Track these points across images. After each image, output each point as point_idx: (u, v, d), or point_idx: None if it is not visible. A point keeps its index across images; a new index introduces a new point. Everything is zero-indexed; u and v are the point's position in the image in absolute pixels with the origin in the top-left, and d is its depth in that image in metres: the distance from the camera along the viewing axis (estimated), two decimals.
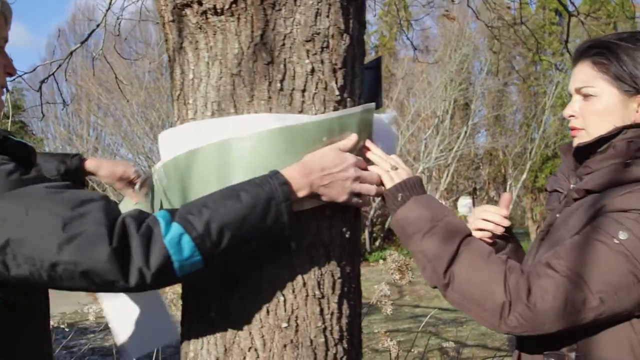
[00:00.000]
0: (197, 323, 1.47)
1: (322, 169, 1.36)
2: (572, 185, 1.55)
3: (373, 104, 1.51)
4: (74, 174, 1.95)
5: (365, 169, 1.47)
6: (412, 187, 1.50)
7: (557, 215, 1.54)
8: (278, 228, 1.29)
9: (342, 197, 1.40)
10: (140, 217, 1.22)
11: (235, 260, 1.30)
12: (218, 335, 1.43)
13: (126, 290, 1.20)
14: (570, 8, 5.30)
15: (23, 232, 1.13)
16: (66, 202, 1.18)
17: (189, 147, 1.44)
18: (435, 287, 1.47)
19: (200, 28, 1.45)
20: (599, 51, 1.45)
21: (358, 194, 1.43)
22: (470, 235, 1.47)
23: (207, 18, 1.43)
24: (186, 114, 1.51)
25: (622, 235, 1.28)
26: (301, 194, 1.34)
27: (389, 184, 1.50)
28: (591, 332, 1.35)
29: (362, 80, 1.57)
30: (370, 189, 1.45)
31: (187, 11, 1.45)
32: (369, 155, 1.50)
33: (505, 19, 6.22)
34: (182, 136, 1.49)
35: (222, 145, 1.39)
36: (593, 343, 1.36)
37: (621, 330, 1.34)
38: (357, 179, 1.41)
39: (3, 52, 1.38)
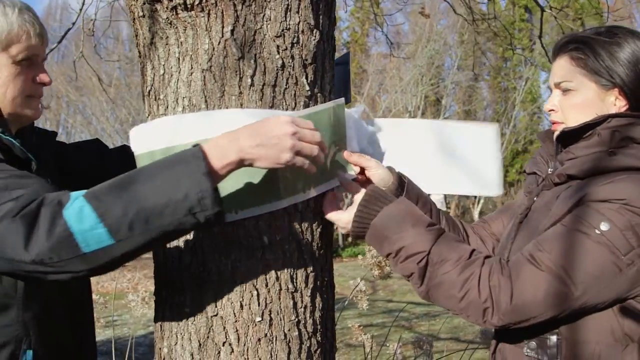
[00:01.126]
0: (170, 319, 1.47)
1: (251, 129, 1.27)
2: (550, 170, 1.57)
3: (342, 99, 1.52)
4: None
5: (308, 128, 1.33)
6: (363, 220, 1.49)
7: (535, 198, 1.56)
8: (194, 200, 1.20)
9: (283, 157, 1.26)
10: (58, 194, 1.22)
11: (157, 238, 1.22)
12: (192, 330, 1.43)
13: (29, 267, 1.18)
14: (542, 3, 5.40)
15: None
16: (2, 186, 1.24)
17: (166, 144, 1.43)
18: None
19: (170, 23, 1.45)
20: (577, 46, 1.47)
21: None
22: (435, 242, 1.43)
23: (177, 13, 1.43)
24: (157, 109, 1.51)
25: (604, 226, 1.30)
26: (227, 160, 1.24)
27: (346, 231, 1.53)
28: (573, 318, 1.37)
29: (332, 76, 1.58)
30: (313, 148, 1.31)
31: (158, 6, 1.44)
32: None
33: (476, 14, 6.29)
34: (156, 131, 1.48)
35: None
36: (574, 327, 1.38)
37: (603, 316, 1.36)
38: (295, 134, 1.28)
39: (38, 65, 1.50)
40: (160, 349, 1.51)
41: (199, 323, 1.42)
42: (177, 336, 1.45)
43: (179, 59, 1.46)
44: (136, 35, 1.57)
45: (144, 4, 1.47)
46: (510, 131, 22.06)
